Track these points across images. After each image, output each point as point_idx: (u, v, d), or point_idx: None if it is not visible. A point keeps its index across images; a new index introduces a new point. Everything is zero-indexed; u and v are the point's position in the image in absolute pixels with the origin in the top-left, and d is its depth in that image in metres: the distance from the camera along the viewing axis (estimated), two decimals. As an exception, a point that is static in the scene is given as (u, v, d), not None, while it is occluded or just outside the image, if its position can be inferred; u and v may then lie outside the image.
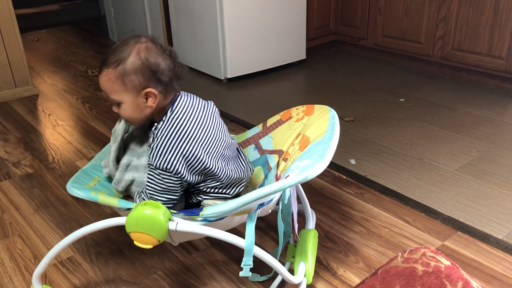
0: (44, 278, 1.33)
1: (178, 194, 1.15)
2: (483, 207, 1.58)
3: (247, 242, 1.03)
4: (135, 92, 1.10)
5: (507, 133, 2.07)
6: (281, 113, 1.41)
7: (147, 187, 1.14)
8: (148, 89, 1.10)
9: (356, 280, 1.28)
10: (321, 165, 0.99)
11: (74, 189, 1.17)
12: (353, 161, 1.89)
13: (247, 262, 1.04)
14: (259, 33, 2.80)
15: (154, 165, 1.10)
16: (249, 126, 2.19)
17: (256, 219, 1.06)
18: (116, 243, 1.46)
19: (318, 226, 1.50)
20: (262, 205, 1.08)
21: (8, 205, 1.68)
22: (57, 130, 2.28)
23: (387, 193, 1.66)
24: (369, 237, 1.45)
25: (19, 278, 1.34)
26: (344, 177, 1.78)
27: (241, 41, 2.76)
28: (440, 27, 2.69)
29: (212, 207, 1.01)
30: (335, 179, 1.77)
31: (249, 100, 2.60)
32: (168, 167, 1.09)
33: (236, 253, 1.40)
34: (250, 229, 1.03)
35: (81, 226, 1.54)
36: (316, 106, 1.32)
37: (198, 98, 1.21)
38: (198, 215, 1.03)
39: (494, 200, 1.61)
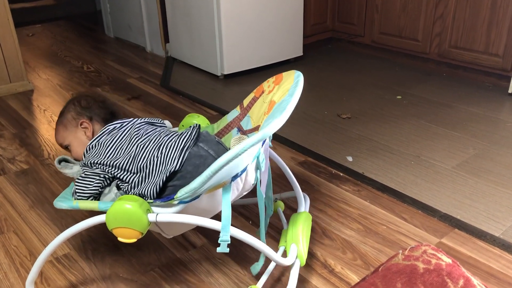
0: (40, 275, 1.32)
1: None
2: (480, 204, 1.58)
3: (224, 216, 1.00)
4: (74, 127, 1.35)
5: (503, 131, 2.07)
6: (255, 90, 1.38)
7: None
8: (81, 120, 1.35)
9: (354, 277, 1.28)
10: (280, 121, 0.96)
11: (59, 202, 1.18)
12: (350, 158, 1.89)
13: (224, 238, 1.01)
14: (256, 29, 2.79)
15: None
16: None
17: (231, 193, 1.02)
18: (112, 240, 1.45)
19: (315, 223, 1.50)
20: (236, 176, 1.03)
21: (3, 201, 1.66)
22: (53, 126, 2.26)
23: (384, 190, 1.66)
24: (366, 235, 1.45)
25: (14, 274, 1.33)
26: (341, 174, 1.78)
27: (238, 37, 2.75)
28: (437, 24, 2.69)
29: (185, 187, 0.99)
30: (332, 176, 1.77)
31: (246, 96, 2.58)
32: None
33: (232, 249, 1.39)
34: (226, 202, 1.01)
35: (75, 221, 1.55)
36: (284, 73, 1.29)
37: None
38: (173, 198, 1.01)
39: (491, 197, 1.61)
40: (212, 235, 1.45)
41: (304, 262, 1.19)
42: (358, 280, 1.25)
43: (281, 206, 1.48)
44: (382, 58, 3.09)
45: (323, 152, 1.95)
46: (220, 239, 1.03)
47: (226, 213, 1.01)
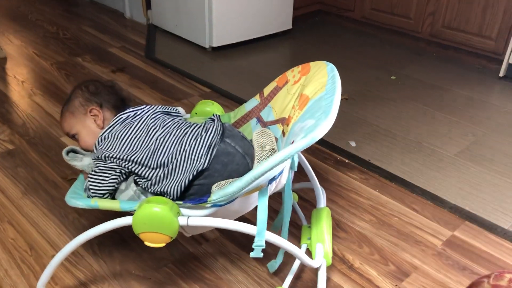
0: (45, 272, 1.23)
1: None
2: (486, 195, 1.59)
3: (259, 220, 0.95)
4: (83, 115, 1.23)
5: (499, 117, 2.09)
6: (277, 79, 1.31)
7: None
8: (91, 107, 1.23)
9: (374, 273, 1.27)
10: (327, 123, 0.91)
11: (73, 200, 1.07)
12: (353, 144, 1.86)
13: (259, 243, 0.97)
14: None
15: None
16: (240, 101, 2.11)
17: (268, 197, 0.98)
18: (118, 232, 1.37)
19: (328, 215, 1.47)
20: (273, 179, 0.99)
21: (-8, 187, 1.55)
22: (34, 99, 2.11)
23: (392, 179, 1.65)
24: (380, 227, 1.44)
25: (16, 271, 1.24)
26: (347, 160, 1.75)
27: (229, 7, 2.62)
28: (432, 3, 2.65)
29: (220, 190, 0.93)
30: (337, 163, 1.74)
31: (238, 72, 2.50)
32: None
33: (246, 242, 1.35)
34: (263, 206, 0.96)
35: (76, 211, 1.46)
36: (312, 64, 1.23)
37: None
38: (206, 201, 0.96)
39: (496, 188, 1.63)
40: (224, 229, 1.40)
41: (330, 262, 1.16)
42: (377, 273, 1.24)
43: (295, 198, 1.44)
44: (371, 34, 3.04)
45: (325, 136, 1.90)
46: (254, 244, 0.98)
47: (262, 217, 0.96)
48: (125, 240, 1.35)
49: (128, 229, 1.36)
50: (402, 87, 2.36)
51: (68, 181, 1.58)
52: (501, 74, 2.46)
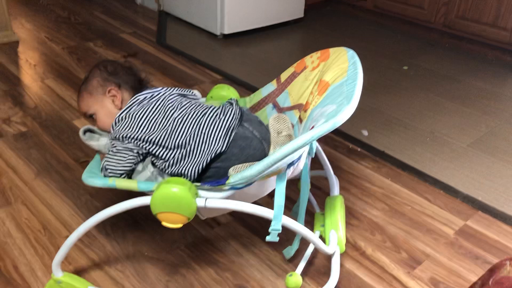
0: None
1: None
2: (499, 185, 1.58)
3: (276, 205, 0.96)
4: (101, 94, 1.22)
5: (512, 109, 2.08)
6: (295, 64, 1.29)
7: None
8: (109, 87, 1.22)
9: (386, 260, 1.27)
10: (350, 108, 0.90)
11: (90, 178, 1.07)
12: (365, 133, 1.85)
13: (275, 227, 0.98)
14: (259, -13, 2.65)
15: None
16: (253, 90, 2.10)
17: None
18: (131, 214, 1.38)
19: (340, 202, 1.47)
20: (292, 163, 0.99)
21: (5, 168, 1.55)
22: (46, 83, 2.11)
23: (405, 168, 1.64)
24: (392, 215, 1.43)
25: (30, 251, 1.25)
26: (359, 149, 1.75)
27: (241, -5, 2.61)
28: (446, -7, 2.62)
29: (239, 173, 0.93)
30: (349, 151, 1.73)
31: (249, 59, 2.49)
32: None
33: (258, 226, 1.35)
34: (280, 190, 0.96)
35: (89, 193, 1.46)
36: (331, 50, 1.21)
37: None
38: (224, 184, 0.96)
39: (509, 178, 1.62)
40: (237, 213, 1.40)
41: (343, 249, 1.16)
42: (389, 261, 1.24)
43: (308, 184, 1.43)
44: (383, 24, 3.02)
45: (337, 124, 1.90)
46: (271, 227, 0.98)
47: (280, 202, 0.96)
48: (137, 222, 1.36)
49: (140, 210, 1.37)
50: (414, 77, 2.34)
51: (80, 164, 1.59)
52: (515, 66, 2.44)
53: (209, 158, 1.05)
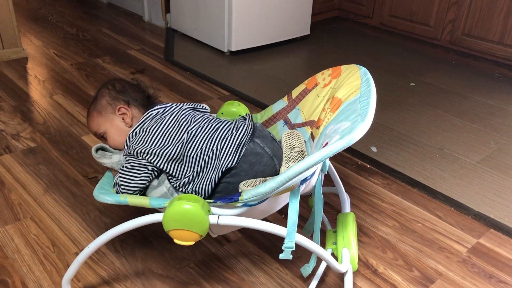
0: (68, 268, 1.23)
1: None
2: (510, 203, 1.57)
3: (290, 222, 0.95)
4: (111, 113, 1.22)
5: (521, 126, 2.07)
6: (306, 81, 1.29)
7: None
8: (119, 106, 1.21)
9: (398, 279, 1.25)
10: (365, 126, 0.89)
11: (102, 195, 1.06)
12: (374, 149, 1.84)
13: (288, 244, 0.96)
14: (267, 4, 2.68)
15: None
16: (262, 106, 2.11)
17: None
18: (140, 231, 1.37)
19: (350, 219, 1.46)
20: (305, 180, 0.98)
21: (14, 184, 1.55)
22: (55, 99, 2.12)
23: (415, 185, 1.63)
24: (403, 232, 1.42)
25: (39, 267, 1.24)
26: (368, 166, 1.74)
27: (249, 12, 2.63)
28: (452, 10, 2.64)
29: (252, 190, 0.92)
30: (359, 167, 1.72)
31: (256, 76, 2.50)
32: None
33: (268, 244, 1.34)
34: (294, 207, 0.95)
35: (98, 209, 1.46)
36: (343, 67, 1.21)
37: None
38: (237, 200, 0.95)
39: (520, 196, 1.60)
40: (246, 230, 1.39)
41: (356, 267, 1.14)
42: (401, 279, 1.22)
43: (318, 201, 1.42)
44: (389, 41, 3.03)
45: (345, 140, 1.89)
46: (284, 245, 0.97)
47: (293, 219, 0.95)
48: (147, 238, 1.35)
49: (149, 227, 1.36)
50: (422, 94, 2.34)
51: (89, 179, 1.59)
52: (522, 83, 2.44)
53: (220, 173, 1.05)
